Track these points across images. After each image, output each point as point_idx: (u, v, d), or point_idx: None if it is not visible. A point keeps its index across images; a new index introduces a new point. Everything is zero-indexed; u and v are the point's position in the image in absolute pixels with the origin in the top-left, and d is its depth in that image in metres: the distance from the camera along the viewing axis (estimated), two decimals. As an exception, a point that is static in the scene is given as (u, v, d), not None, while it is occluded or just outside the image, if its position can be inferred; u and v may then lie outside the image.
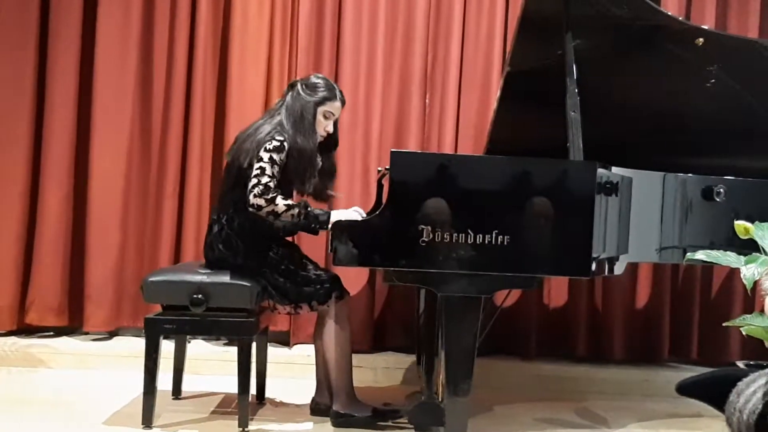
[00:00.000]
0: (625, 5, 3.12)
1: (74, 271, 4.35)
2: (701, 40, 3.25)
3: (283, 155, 3.14)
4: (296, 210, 3.09)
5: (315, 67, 4.35)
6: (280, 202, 3.07)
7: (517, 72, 3.41)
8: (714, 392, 0.73)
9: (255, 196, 3.06)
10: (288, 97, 3.31)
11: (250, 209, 3.08)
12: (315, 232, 3.27)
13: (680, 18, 3.60)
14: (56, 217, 4.29)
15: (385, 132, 4.40)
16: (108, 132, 4.30)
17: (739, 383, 0.59)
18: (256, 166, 3.11)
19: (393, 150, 2.83)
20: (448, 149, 4.33)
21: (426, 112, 4.43)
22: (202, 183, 4.36)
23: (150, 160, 4.38)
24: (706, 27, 3.50)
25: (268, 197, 3.06)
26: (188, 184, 4.35)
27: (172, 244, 4.35)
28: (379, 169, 4.01)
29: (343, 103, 3.38)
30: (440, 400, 3.06)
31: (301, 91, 3.29)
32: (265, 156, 3.11)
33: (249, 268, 3.21)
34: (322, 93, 3.30)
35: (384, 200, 3.05)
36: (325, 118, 3.31)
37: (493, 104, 3.79)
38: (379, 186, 3.91)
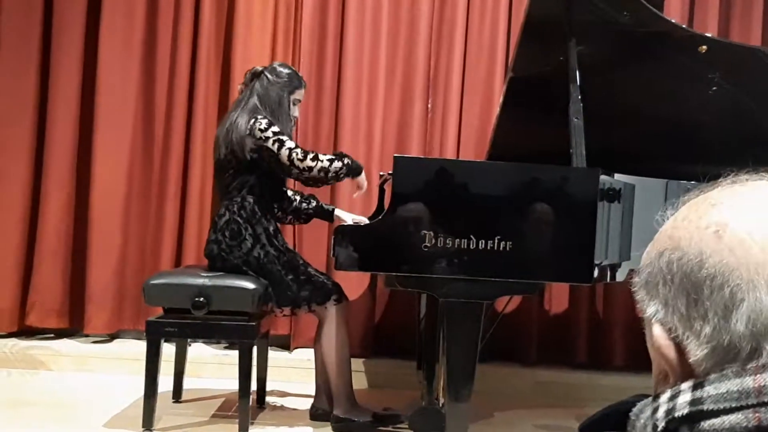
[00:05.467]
0: (627, 12, 3.12)
1: (75, 273, 4.35)
2: (704, 47, 3.25)
3: (274, 127, 3.23)
4: (339, 162, 3.24)
5: (318, 71, 4.36)
6: (323, 157, 3.22)
7: (520, 78, 3.41)
8: (617, 425, 0.72)
9: (300, 160, 3.18)
10: (257, 86, 3.37)
11: (305, 174, 3.20)
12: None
13: (683, 25, 3.60)
14: (58, 219, 4.30)
15: (387, 136, 4.40)
16: (110, 134, 4.31)
17: (631, 415, 0.59)
18: (271, 141, 3.20)
19: (396, 155, 2.83)
20: (450, 154, 4.34)
21: (428, 117, 4.44)
22: (204, 186, 4.36)
23: (152, 163, 4.38)
24: (709, 35, 3.49)
25: (312, 155, 3.20)
26: (190, 187, 4.35)
27: (173, 247, 4.35)
28: (381, 173, 4.01)
29: (305, 87, 3.53)
30: (441, 405, 3.06)
31: (272, 81, 3.36)
32: (268, 132, 3.21)
33: (253, 260, 3.23)
34: (291, 81, 3.41)
35: (386, 205, 3.05)
36: (294, 105, 3.44)
37: (496, 109, 3.79)
38: (381, 191, 3.91)
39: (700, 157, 3.48)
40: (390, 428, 3.29)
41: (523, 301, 4.33)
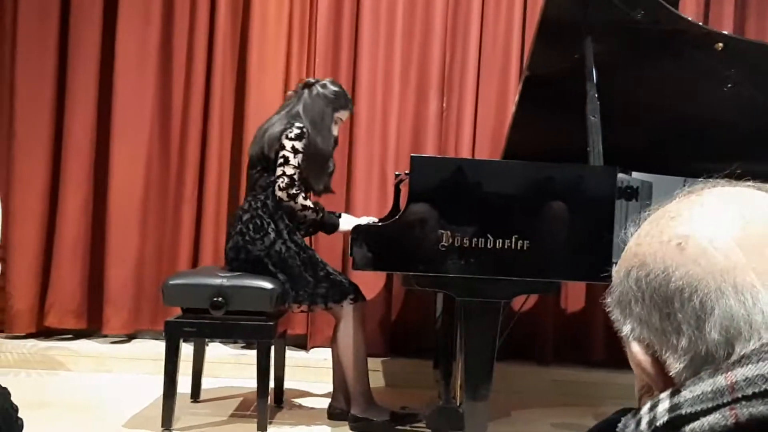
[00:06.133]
0: (643, 10, 3.12)
1: (93, 274, 4.38)
2: (720, 44, 3.24)
3: (304, 142, 3.26)
4: (312, 214, 3.27)
5: (333, 72, 4.36)
6: (300, 202, 3.24)
7: (536, 76, 3.40)
8: None
9: (279, 188, 3.23)
10: (306, 96, 3.40)
11: (279, 200, 3.26)
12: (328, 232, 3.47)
13: (699, 23, 3.59)
14: (76, 221, 4.32)
15: (402, 136, 4.41)
16: (127, 137, 4.33)
17: (617, 431, 0.59)
18: (280, 154, 3.25)
19: (413, 155, 2.84)
20: (465, 153, 4.34)
21: (443, 116, 4.44)
22: (220, 187, 4.38)
23: (169, 164, 4.40)
24: (725, 32, 3.48)
25: (291, 192, 3.22)
26: (207, 187, 4.37)
27: (190, 248, 4.37)
28: (397, 173, 4.01)
29: (351, 110, 3.58)
30: (458, 404, 3.06)
31: (320, 94, 3.38)
32: (288, 144, 3.24)
33: (275, 254, 3.25)
34: (339, 100, 3.43)
35: (402, 205, 3.05)
36: (335, 123, 3.46)
37: (511, 108, 3.79)
38: (397, 190, 3.91)
39: (717, 154, 3.48)
40: (408, 427, 3.29)
41: (540, 300, 4.33)
